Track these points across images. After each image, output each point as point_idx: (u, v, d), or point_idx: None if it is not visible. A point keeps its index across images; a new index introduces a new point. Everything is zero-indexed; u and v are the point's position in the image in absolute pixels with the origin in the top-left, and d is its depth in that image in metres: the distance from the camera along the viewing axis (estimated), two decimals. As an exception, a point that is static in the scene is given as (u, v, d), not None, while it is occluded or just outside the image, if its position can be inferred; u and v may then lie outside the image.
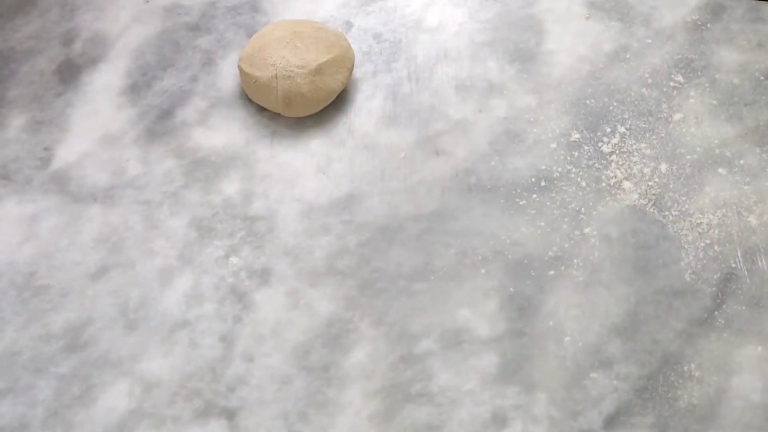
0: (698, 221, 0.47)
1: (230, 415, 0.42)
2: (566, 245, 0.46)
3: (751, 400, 0.42)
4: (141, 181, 0.49)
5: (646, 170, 0.48)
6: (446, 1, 0.56)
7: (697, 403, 0.42)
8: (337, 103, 0.51)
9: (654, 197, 0.47)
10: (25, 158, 0.50)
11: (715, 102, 0.51)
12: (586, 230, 0.47)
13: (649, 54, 0.53)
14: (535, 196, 0.48)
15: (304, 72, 0.49)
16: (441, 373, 0.43)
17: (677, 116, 0.50)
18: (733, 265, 0.45)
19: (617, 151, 0.49)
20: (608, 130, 0.50)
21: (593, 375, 0.42)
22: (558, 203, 0.47)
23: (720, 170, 0.48)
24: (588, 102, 0.51)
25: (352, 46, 0.52)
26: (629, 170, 0.48)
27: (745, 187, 0.48)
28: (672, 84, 0.52)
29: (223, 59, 0.54)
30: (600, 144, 0.49)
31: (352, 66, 0.51)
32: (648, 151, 0.49)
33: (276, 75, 0.49)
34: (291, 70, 0.49)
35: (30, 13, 0.56)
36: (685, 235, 0.46)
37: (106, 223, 0.47)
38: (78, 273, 0.46)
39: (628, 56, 0.54)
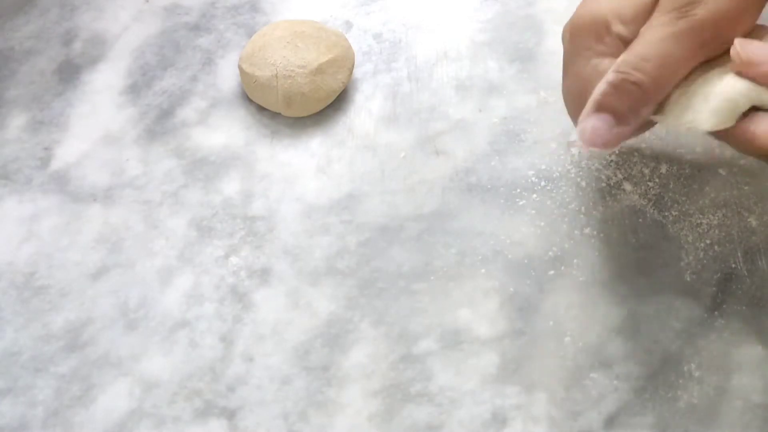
0: (698, 221, 0.47)
1: (230, 415, 0.42)
2: (566, 245, 0.46)
3: (751, 400, 0.42)
4: (141, 181, 0.49)
5: (646, 170, 0.48)
6: (446, 1, 0.56)
7: (697, 403, 0.42)
8: (337, 103, 0.51)
9: (654, 197, 0.48)
10: (24, 158, 0.50)
11: (715, 102, 0.51)
12: (586, 230, 0.47)
13: (649, 54, 0.53)
14: (535, 196, 0.48)
15: (304, 72, 0.49)
16: (441, 373, 0.43)
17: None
18: (733, 265, 0.45)
19: (617, 152, 0.49)
20: (608, 130, 0.50)
21: (593, 375, 0.43)
22: (558, 203, 0.48)
23: (720, 170, 0.48)
24: (588, 102, 0.51)
25: (352, 46, 0.52)
26: (629, 170, 0.48)
27: (745, 187, 0.48)
28: (672, 84, 0.52)
29: (223, 59, 0.54)
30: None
31: (353, 66, 0.51)
32: (648, 151, 0.49)
33: (276, 74, 0.49)
34: (291, 70, 0.49)
35: (30, 13, 0.56)
36: (685, 235, 0.46)
37: (106, 223, 0.47)
38: (78, 273, 0.46)
39: (628, 56, 0.53)
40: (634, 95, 0.36)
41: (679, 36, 0.35)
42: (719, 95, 0.36)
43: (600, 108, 0.37)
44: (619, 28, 0.38)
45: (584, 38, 0.39)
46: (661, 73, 0.36)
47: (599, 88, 0.37)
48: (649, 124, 0.40)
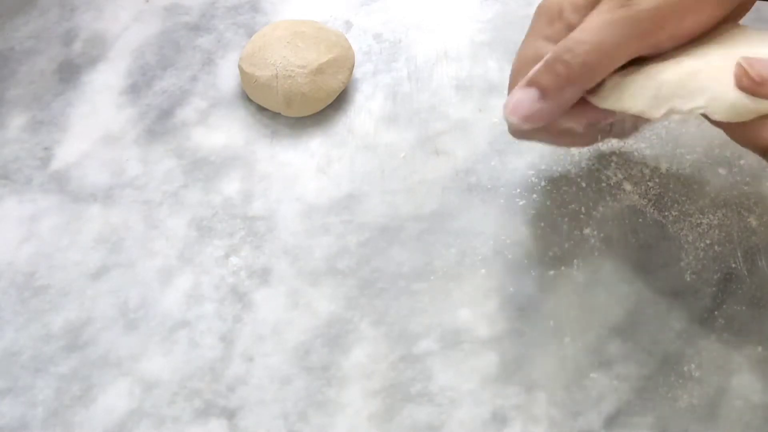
0: (698, 221, 0.47)
1: (230, 415, 0.42)
2: (566, 245, 0.46)
3: (751, 400, 0.42)
4: (141, 181, 0.49)
5: (646, 170, 0.48)
6: (446, 1, 0.56)
7: (697, 403, 0.42)
8: (337, 103, 0.51)
9: (654, 197, 0.48)
10: (25, 158, 0.50)
11: (715, 102, 0.51)
12: (586, 230, 0.47)
13: (649, 54, 0.53)
14: (535, 196, 0.48)
15: (304, 72, 0.49)
16: (441, 373, 0.43)
17: (677, 116, 0.50)
18: (733, 265, 0.45)
19: (617, 152, 0.49)
20: (608, 130, 0.50)
21: (593, 375, 0.43)
22: (558, 203, 0.47)
23: (720, 170, 0.48)
24: (588, 102, 0.51)
25: (352, 46, 0.52)
26: (629, 170, 0.48)
27: (745, 187, 0.48)
28: (672, 84, 0.52)
29: (223, 59, 0.54)
30: (600, 144, 0.49)
31: (353, 66, 0.51)
32: (648, 151, 0.49)
33: (276, 74, 0.49)
34: (292, 70, 0.49)
35: (30, 13, 0.56)
36: (685, 235, 0.46)
37: (106, 223, 0.47)
38: (78, 273, 0.46)
39: (628, 56, 0.53)
40: (561, 74, 0.37)
41: (616, 24, 0.36)
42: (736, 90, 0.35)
43: (529, 83, 0.38)
44: (569, 15, 0.39)
45: (539, 21, 0.40)
46: (591, 58, 0.37)
47: (535, 68, 0.38)
48: (602, 130, 0.41)
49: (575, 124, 0.40)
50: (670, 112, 0.36)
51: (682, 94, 0.36)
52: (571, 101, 0.38)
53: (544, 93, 0.38)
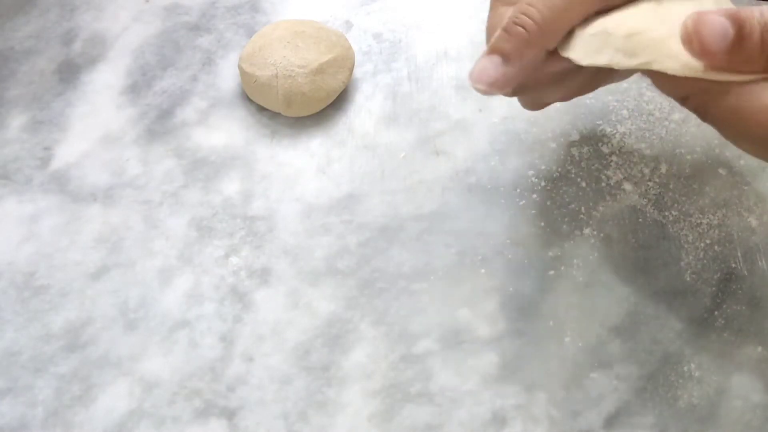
0: (698, 221, 0.47)
1: (230, 415, 0.42)
2: (566, 245, 0.46)
3: (751, 400, 0.42)
4: (141, 181, 0.49)
5: (646, 170, 0.48)
6: (446, 1, 0.56)
7: (697, 403, 0.42)
8: (337, 103, 0.51)
9: (654, 197, 0.48)
10: (25, 158, 0.50)
11: (715, 102, 0.51)
12: (586, 230, 0.47)
13: (649, 54, 0.53)
14: (535, 196, 0.48)
15: (305, 71, 0.49)
16: (441, 373, 0.43)
17: (677, 116, 0.50)
18: (733, 265, 0.45)
19: (617, 152, 0.49)
20: (608, 130, 0.50)
21: (593, 375, 0.43)
22: (558, 203, 0.48)
23: (720, 170, 0.48)
24: (588, 102, 0.51)
25: (352, 46, 0.52)
26: (629, 170, 0.48)
27: (745, 187, 0.48)
28: (672, 84, 0.52)
29: (223, 59, 0.54)
30: (600, 144, 0.49)
31: (353, 66, 0.51)
32: (648, 152, 0.49)
33: (276, 74, 0.49)
34: (292, 70, 0.49)
35: (30, 13, 0.56)
36: (685, 235, 0.46)
37: (106, 223, 0.47)
38: (78, 273, 0.46)
39: (628, 56, 0.53)
40: (519, 37, 0.38)
41: None
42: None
43: (491, 51, 0.39)
44: None
45: None
46: (544, 17, 0.37)
47: (495, 35, 0.39)
48: (555, 75, 0.41)
49: (562, 64, 0.40)
50: (615, 64, 0.36)
51: (629, 48, 0.36)
52: (534, 62, 0.39)
53: (506, 58, 0.38)
